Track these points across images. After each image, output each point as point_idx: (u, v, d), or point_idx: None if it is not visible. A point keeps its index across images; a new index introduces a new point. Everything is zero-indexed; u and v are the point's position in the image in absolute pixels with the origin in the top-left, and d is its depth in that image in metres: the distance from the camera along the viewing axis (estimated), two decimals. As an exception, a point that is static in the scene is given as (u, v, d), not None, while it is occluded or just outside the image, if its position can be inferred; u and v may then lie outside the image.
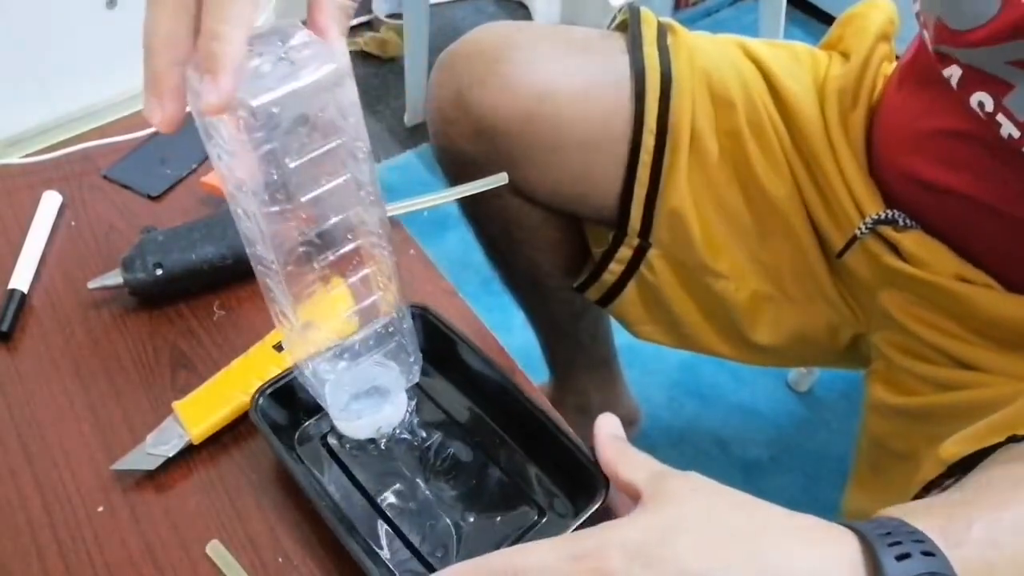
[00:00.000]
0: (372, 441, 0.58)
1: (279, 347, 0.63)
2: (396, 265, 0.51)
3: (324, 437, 0.60)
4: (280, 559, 0.55)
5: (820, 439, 1.25)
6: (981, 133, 0.60)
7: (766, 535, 0.41)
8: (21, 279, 0.72)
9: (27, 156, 0.84)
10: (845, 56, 0.76)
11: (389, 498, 0.57)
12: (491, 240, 0.91)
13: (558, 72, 0.74)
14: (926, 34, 0.62)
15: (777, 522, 0.42)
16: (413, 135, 1.78)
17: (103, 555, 0.56)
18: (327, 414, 0.57)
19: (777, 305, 0.79)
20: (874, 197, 0.70)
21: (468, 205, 0.87)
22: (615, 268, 0.81)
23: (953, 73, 0.60)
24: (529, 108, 0.73)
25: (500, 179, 0.66)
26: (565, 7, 1.88)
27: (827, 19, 1.89)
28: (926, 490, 0.59)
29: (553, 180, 0.78)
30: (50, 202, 0.79)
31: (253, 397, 0.58)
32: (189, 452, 0.60)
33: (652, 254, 0.79)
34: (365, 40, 1.95)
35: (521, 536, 0.54)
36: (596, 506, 0.51)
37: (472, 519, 0.55)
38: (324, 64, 0.42)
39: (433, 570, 0.53)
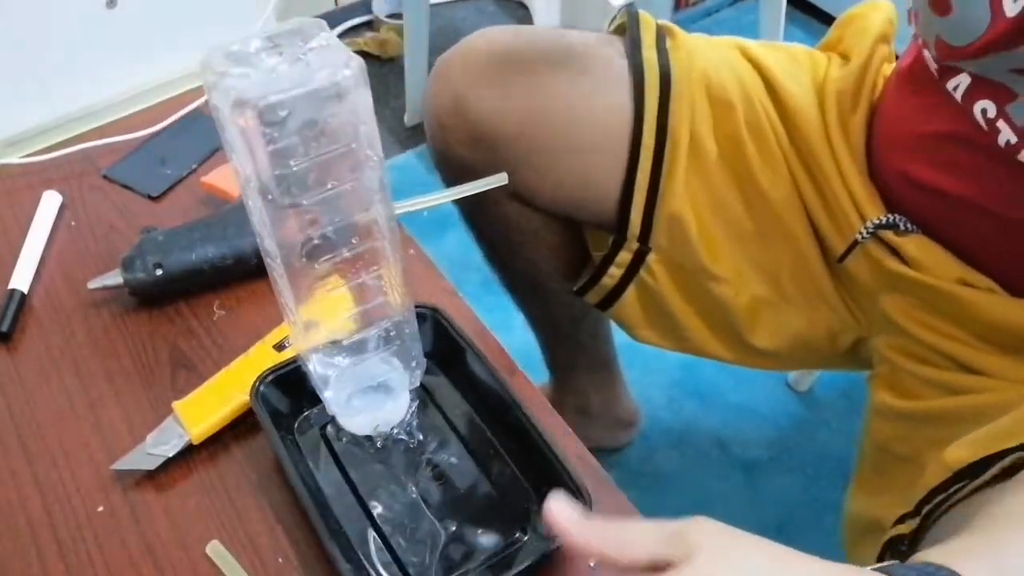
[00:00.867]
0: (369, 438, 0.58)
1: (279, 347, 0.63)
2: (403, 270, 0.51)
3: (323, 427, 0.60)
4: (280, 559, 0.55)
5: (820, 439, 1.25)
6: (979, 138, 0.60)
7: None
8: (21, 279, 0.72)
9: (27, 156, 0.84)
10: (845, 57, 0.76)
11: (377, 497, 0.57)
12: (491, 244, 0.91)
13: (556, 77, 0.74)
14: (927, 53, 0.63)
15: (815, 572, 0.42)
16: (413, 135, 1.78)
17: (103, 555, 0.56)
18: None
19: (777, 309, 0.78)
20: (875, 201, 0.70)
21: (468, 210, 0.87)
22: (614, 272, 0.81)
23: (960, 82, 0.60)
24: (528, 113, 0.73)
25: (500, 179, 0.66)
26: (565, 7, 1.88)
27: (827, 19, 1.89)
28: (932, 495, 0.58)
29: (552, 185, 0.78)
30: (50, 202, 0.79)
31: (254, 384, 0.58)
32: (189, 452, 0.60)
33: (652, 258, 0.79)
34: (365, 40, 1.95)
35: (501, 552, 0.53)
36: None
37: (454, 528, 0.55)
38: (339, 70, 0.42)
39: (412, 567, 0.53)
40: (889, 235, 0.68)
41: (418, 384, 0.56)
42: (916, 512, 0.59)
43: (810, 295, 0.77)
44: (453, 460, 0.58)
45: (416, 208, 0.67)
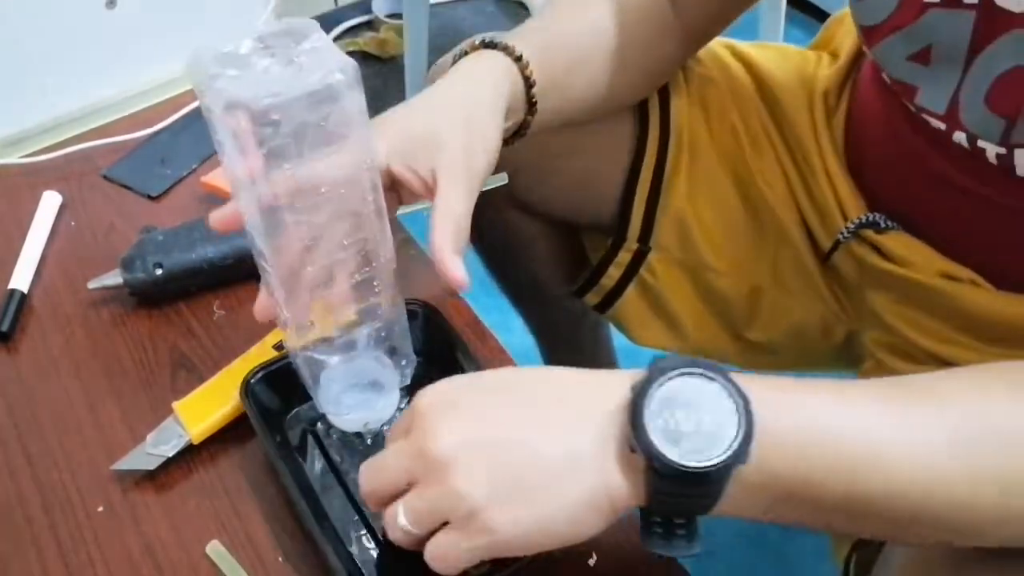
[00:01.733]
0: (359, 435, 0.58)
1: (279, 347, 0.63)
2: (394, 271, 0.51)
3: (313, 424, 0.60)
4: (280, 559, 0.55)
5: (820, 439, 1.24)
6: (921, 127, 0.60)
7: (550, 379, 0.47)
8: (21, 279, 0.72)
9: (27, 156, 0.84)
10: (835, 56, 0.76)
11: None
12: (489, 250, 0.92)
13: None
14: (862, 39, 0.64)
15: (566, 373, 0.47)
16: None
17: (103, 555, 0.56)
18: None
19: (774, 299, 0.79)
20: (856, 199, 0.70)
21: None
22: (613, 272, 0.81)
23: (887, 78, 0.62)
24: None
25: (500, 179, 0.66)
26: (565, 7, 1.88)
27: (827, 19, 1.89)
28: None
29: (552, 190, 0.78)
30: (50, 202, 0.79)
31: (244, 379, 0.58)
32: (189, 452, 0.60)
33: (653, 257, 0.79)
34: (365, 40, 1.95)
35: None
36: None
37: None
38: (333, 73, 0.42)
39: (395, 569, 0.53)
40: (869, 233, 0.68)
41: (408, 382, 0.56)
42: None
43: (805, 288, 0.77)
44: None
45: (416, 209, 0.67)
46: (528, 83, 0.60)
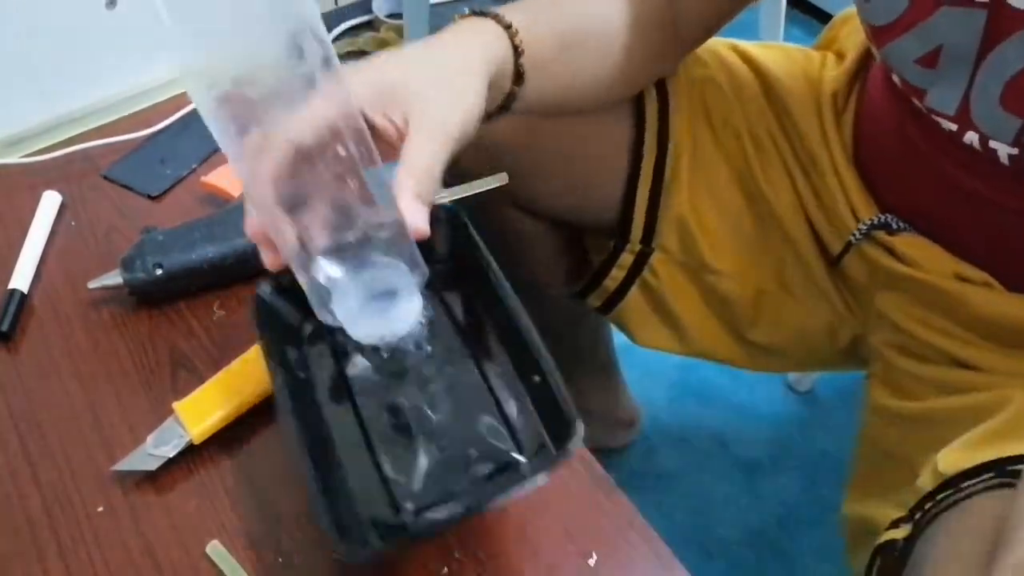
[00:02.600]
0: (376, 348, 0.56)
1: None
2: (380, 172, 0.49)
3: (334, 335, 0.57)
4: (280, 559, 0.55)
5: (820, 439, 1.25)
6: (932, 128, 0.60)
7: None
8: (21, 279, 0.72)
9: (27, 156, 0.84)
10: (840, 56, 0.76)
11: (373, 411, 0.55)
12: (490, 250, 0.91)
13: None
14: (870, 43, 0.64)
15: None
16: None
17: (103, 555, 0.56)
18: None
19: (778, 302, 0.79)
20: (867, 201, 0.70)
21: (465, 215, 0.87)
22: (616, 274, 0.81)
23: (896, 79, 0.61)
24: (529, 121, 0.73)
25: (500, 179, 0.66)
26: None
27: (827, 19, 1.89)
28: (924, 501, 0.58)
29: (554, 191, 0.78)
30: (50, 202, 0.79)
31: (256, 292, 0.56)
32: (189, 452, 0.60)
33: (655, 258, 0.79)
34: (365, 40, 1.95)
35: (491, 475, 0.52)
36: (564, 459, 0.48)
37: (447, 449, 0.53)
38: None
39: (396, 485, 0.52)
40: (881, 235, 0.68)
41: (423, 287, 0.54)
42: (910, 517, 0.59)
43: (810, 291, 0.77)
44: (457, 378, 0.56)
45: (459, 196, 0.67)
46: (517, 52, 0.58)
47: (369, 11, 2.00)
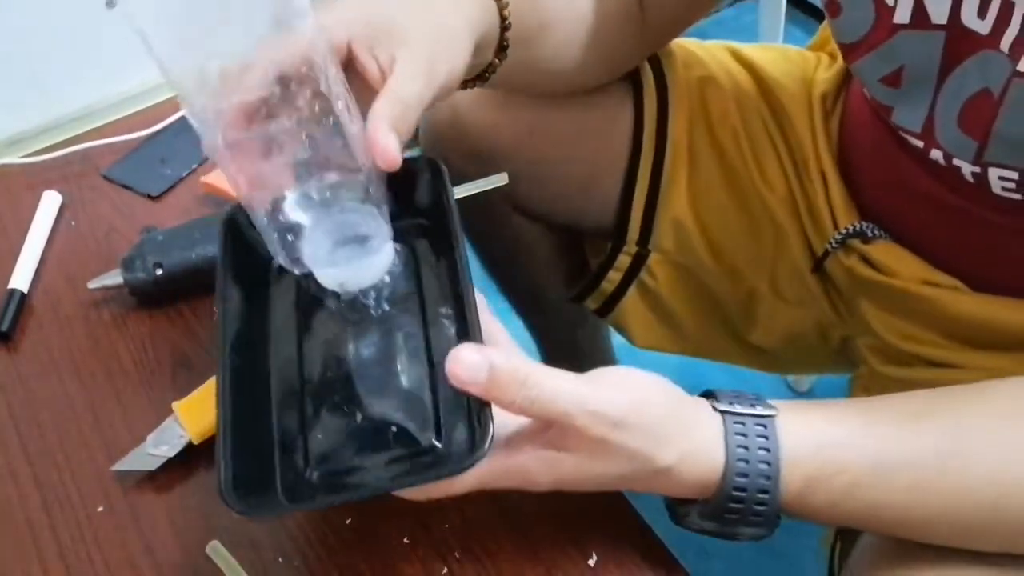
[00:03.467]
0: (336, 295, 0.54)
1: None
2: (359, 124, 0.48)
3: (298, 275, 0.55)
4: (280, 559, 0.55)
5: (820, 439, 1.24)
6: (904, 141, 0.61)
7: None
8: (21, 279, 0.72)
9: (27, 156, 0.84)
10: (833, 57, 0.76)
11: (314, 360, 0.53)
12: (488, 253, 0.92)
13: None
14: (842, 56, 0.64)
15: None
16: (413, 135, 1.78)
17: (103, 555, 0.56)
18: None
19: (770, 304, 0.79)
20: (848, 207, 0.70)
21: (464, 219, 0.87)
22: (613, 276, 0.81)
23: (867, 93, 0.62)
24: (526, 124, 0.73)
25: (500, 179, 0.66)
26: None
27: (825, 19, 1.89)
28: None
29: (551, 195, 0.78)
30: (50, 202, 0.79)
31: (234, 211, 0.55)
32: (189, 452, 0.60)
33: (653, 259, 0.79)
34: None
35: (404, 458, 0.50)
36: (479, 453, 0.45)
37: (373, 419, 0.51)
38: None
39: (311, 443, 0.50)
40: (856, 243, 0.68)
41: (390, 236, 0.52)
42: None
43: (800, 292, 0.77)
44: (403, 344, 0.54)
45: (474, 191, 0.67)
46: (504, 24, 0.58)
47: (369, 11, 2.00)
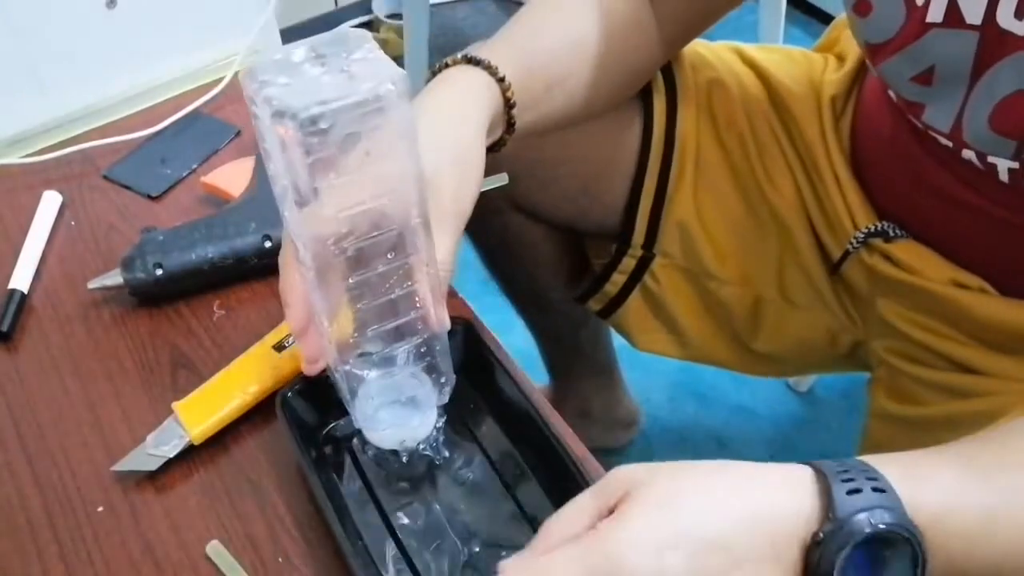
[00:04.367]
0: (395, 452, 0.57)
1: (279, 347, 0.63)
2: (439, 289, 0.50)
3: (350, 440, 0.59)
4: (280, 559, 0.55)
5: (820, 439, 1.25)
6: (928, 141, 0.60)
7: (738, 490, 0.43)
8: (21, 279, 0.72)
9: (27, 156, 0.84)
10: (840, 59, 0.76)
11: (400, 513, 0.56)
12: (490, 254, 0.92)
13: None
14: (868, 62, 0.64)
15: (747, 474, 0.45)
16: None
17: (103, 555, 0.56)
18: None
19: (779, 310, 0.79)
20: (866, 208, 0.70)
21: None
22: (617, 279, 0.81)
23: (892, 94, 0.62)
24: None
25: (501, 179, 0.66)
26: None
27: (827, 19, 1.89)
28: None
29: (556, 195, 0.78)
30: (50, 202, 0.79)
31: (282, 391, 0.58)
32: (189, 452, 0.60)
33: (657, 263, 0.79)
34: (365, 40, 1.95)
35: None
36: None
37: (478, 548, 0.54)
38: (383, 84, 0.41)
39: None
40: (879, 242, 0.68)
41: (447, 400, 0.55)
42: None
43: (810, 297, 0.77)
44: (478, 478, 0.58)
45: (487, 188, 0.67)
46: (508, 104, 0.59)
47: (369, 11, 2.00)
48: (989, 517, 0.41)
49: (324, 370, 0.54)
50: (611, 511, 0.40)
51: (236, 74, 0.88)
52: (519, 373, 0.60)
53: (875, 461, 0.42)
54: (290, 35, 0.63)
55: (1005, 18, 0.50)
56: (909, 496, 0.40)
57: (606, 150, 0.76)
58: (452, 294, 0.69)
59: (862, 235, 0.69)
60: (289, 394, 0.58)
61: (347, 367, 0.52)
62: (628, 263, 0.80)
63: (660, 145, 0.74)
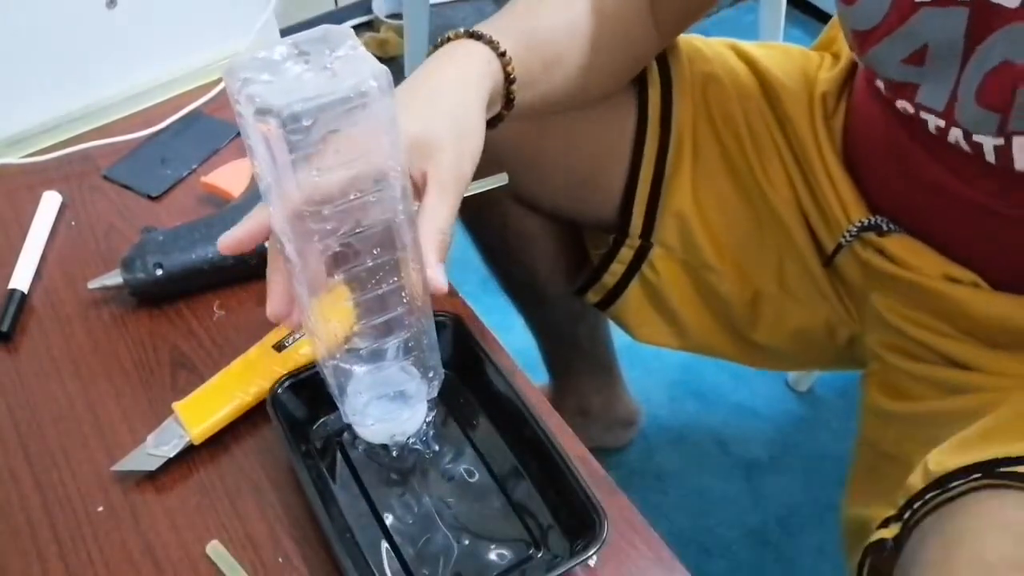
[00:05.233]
0: (385, 447, 0.57)
1: (279, 347, 0.63)
2: (424, 281, 0.50)
3: (339, 435, 0.60)
4: (280, 559, 0.55)
5: (820, 439, 1.25)
6: (918, 132, 0.60)
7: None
8: (21, 279, 0.72)
9: (27, 156, 0.84)
10: (836, 58, 0.76)
11: (390, 507, 0.56)
12: (489, 248, 0.92)
13: None
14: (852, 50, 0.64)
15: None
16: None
17: (103, 555, 0.56)
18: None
19: (778, 303, 0.79)
20: (859, 202, 0.70)
21: (466, 213, 0.88)
22: (616, 269, 0.81)
23: (881, 84, 0.62)
24: (530, 119, 0.73)
25: (500, 179, 0.66)
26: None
27: (826, 19, 1.89)
28: (913, 500, 0.58)
29: (555, 187, 0.78)
30: (50, 202, 0.79)
31: (271, 389, 0.58)
32: (189, 452, 0.60)
33: (655, 254, 0.79)
34: (365, 40, 1.95)
35: (513, 568, 0.53)
36: (594, 549, 0.50)
37: (467, 542, 0.54)
38: (365, 80, 0.41)
39: None
40: (872, 236, 0.68)
41: (436, 395, 0.56)
42: (899, 516, 0.59)
43: (808, 290, 0.77)
44: (468, 472, 0.58)
45: (478, 191, 0.67)
46: (508, 79, 0.59)
47: (369, 11, 2.00)
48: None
49: (312, 363, 0.55)
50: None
51: (236, 74, 0.88)
52: (509, 367, 0.61)
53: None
54: (290, 35, 0.63)
55: None
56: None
57: (604, 141, 0.76)
58: (452, 294, 0.69)
59: (855, 228, 0.69)
60: (279, 390, 0.58)
61: (336, 362, 0.52)
62: (626, 253, 0.80)
63: (656, 132, 0.75)
